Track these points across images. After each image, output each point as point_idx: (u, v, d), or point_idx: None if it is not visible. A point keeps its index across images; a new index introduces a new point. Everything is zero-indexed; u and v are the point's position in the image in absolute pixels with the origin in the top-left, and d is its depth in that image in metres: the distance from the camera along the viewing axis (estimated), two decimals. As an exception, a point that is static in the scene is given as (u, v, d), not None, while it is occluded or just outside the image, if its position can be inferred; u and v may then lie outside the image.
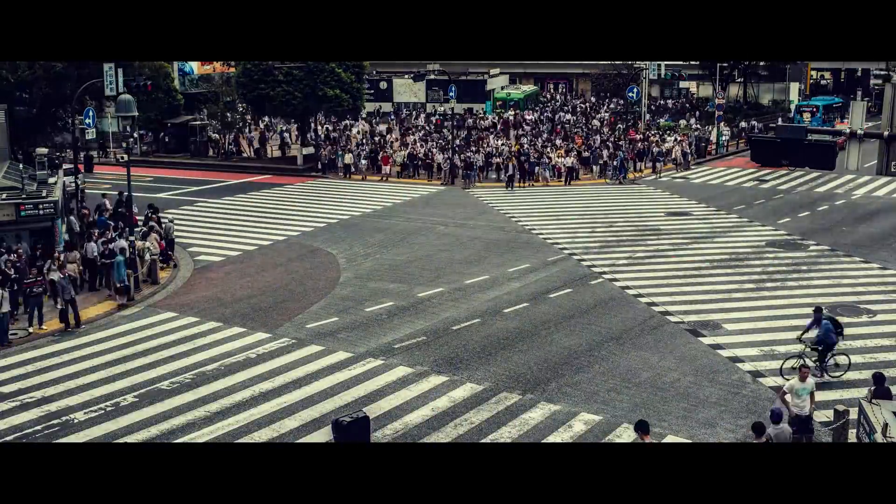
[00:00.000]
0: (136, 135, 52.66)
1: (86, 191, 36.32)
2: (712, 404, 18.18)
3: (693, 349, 21.38)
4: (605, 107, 71.91)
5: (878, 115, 23.60)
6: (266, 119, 62.90)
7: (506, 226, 35.38)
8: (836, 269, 28.44)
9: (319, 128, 57.39)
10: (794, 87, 69.47)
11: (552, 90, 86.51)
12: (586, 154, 49.14)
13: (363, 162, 48.82)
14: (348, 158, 48.35)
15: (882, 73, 68.41)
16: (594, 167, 47.86)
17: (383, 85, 67.26)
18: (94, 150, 51.24)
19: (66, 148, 42.13)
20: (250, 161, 53.62)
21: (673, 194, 42.21)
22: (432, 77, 65.84)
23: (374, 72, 68.40)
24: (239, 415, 17.92)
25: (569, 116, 68.26)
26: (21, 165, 33.46)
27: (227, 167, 51.75)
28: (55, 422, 17.64)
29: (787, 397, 15.67)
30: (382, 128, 60.97)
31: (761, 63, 64.19)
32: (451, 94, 51.56)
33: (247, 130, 59.46)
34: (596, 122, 63.56)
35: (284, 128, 60.30)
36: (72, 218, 31.05)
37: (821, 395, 18.37)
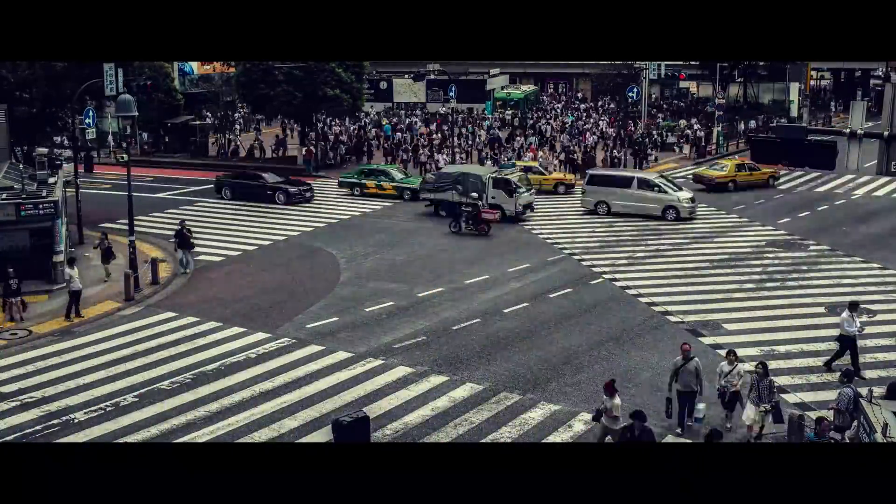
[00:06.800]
0: (137, 135, 52.78)
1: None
2: (712, 404, 18.16)
3: (693, 349, 21.33)
4: (606, 107, 71.93)
5: (878, 115, 23.58)
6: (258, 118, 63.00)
7: (506, 226, 35.36)
8: (836, 269, 28.45)
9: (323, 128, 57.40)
10: (794, 87, 69.43)
11: (552, 90, 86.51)
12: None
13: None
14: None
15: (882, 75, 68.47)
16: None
17: (383, 85, 67.13)
18: (94, 150, 51.35)
19: (67, 148, 42.18)
20: (250, 161, 53.60)
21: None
22: (432, 77, 65.75)
23: (374, 72, 68.27)
24: (239, 415, 17.92)
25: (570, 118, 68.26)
26: (21, 165, 33.45)
27: (228, 167, 51.69)
28: (55, 422, 17.65)
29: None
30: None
31: (761, 63, 64.11)
32: (451, 94, 51.49)
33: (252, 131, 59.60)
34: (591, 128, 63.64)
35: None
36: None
37: (821, 395, 18.42)
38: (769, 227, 34.50)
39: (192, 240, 29.07)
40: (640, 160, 49.49)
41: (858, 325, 20.05)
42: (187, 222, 30.20)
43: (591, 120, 64.48)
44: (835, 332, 22.39)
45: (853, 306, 20.25)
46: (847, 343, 19.83)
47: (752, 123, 59.75)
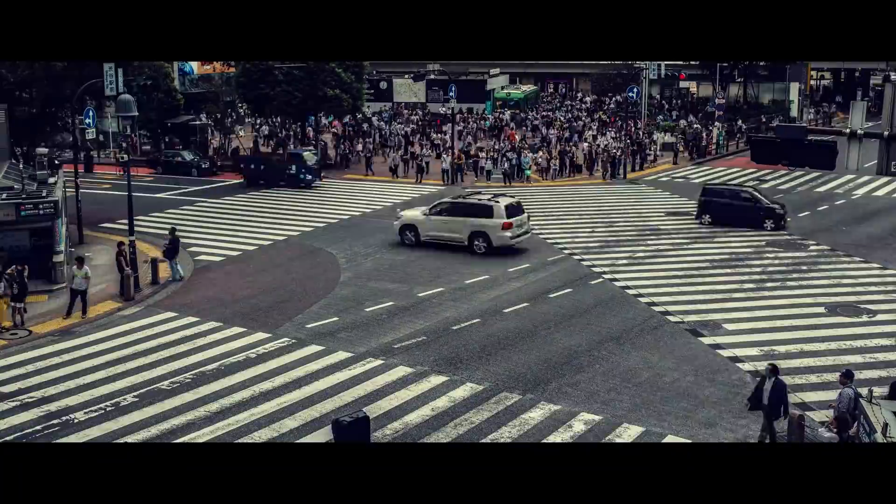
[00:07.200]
0: (135, 135, 52.74)
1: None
2: (712, 404, 18.18)
3: (693, 349, 21.38)
4: (606, 106, 71.96)
5: (878, 115, 23.58)
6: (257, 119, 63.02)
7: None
8: (836, 269, 28.45)
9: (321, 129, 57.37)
10: (794, 87, 69.47)
11: (552, 90, 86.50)
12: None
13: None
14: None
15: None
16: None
17: (383, 85, 67.19)
18: (93, 150, 51.32)
19: (67, 148, 42.12)
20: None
21: (673, 194, 42.23)
22: (432, 77, 65.79)
23: (374, 72, 68.29)
24: (239, 415, 17.92)
25: (568, 116, 68.31)
26: (21, 165, 33.44)
27: (227, 167, 51.64)
28: (55, 422, 17.64)
29: None
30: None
31: (761, 63, 64.11)
32: (451, 94, 51.53)
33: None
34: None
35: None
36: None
37: (822, 395, 18.41)
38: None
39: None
40: (639, 160, 49.55)
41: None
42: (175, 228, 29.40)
43: (586, 122, 64.53)
44: (834, 332, 22.45)
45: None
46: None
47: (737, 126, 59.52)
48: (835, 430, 15.67)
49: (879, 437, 13.27)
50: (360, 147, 53.51)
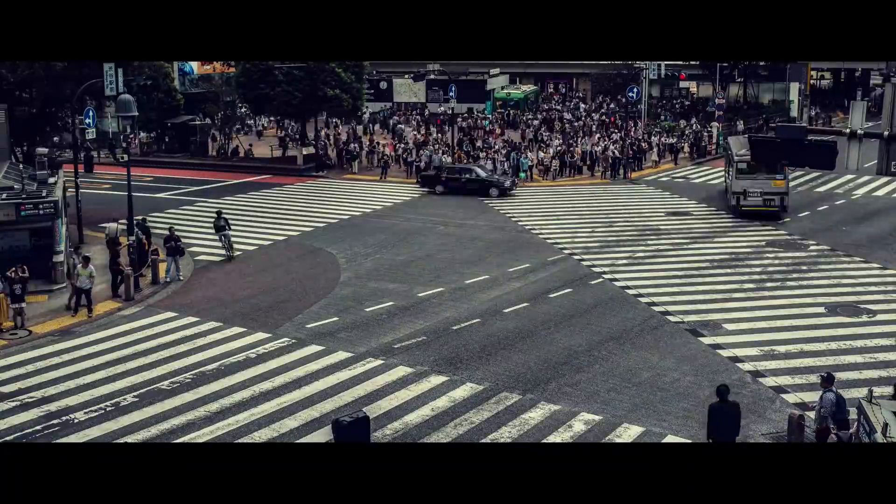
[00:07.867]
0: (135, 135, 52.72)
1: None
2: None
3: (693, 349, 21.38)
4: (606, 107, 71.94)
5: (878, 115, 23.59)
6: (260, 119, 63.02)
7: (506, 226, 35.39)
8: (836, 269, 28.44)
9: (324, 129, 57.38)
10: (794, 87, 69.47)
11: (552, 90, 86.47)
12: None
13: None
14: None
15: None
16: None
17: (383, 85, 67.21)
18: (94, 151, 51.28)
19: (67, 147, 42.13)
20: (250, 161, 53.63)
21: (673, 194, 42.22)
22: (432, 77, 65.81)
23: (374, 72, 68.31)
24: (239, 415, 17.93)
25: (568, 116, 68.31)
26: (21, 165, 33.43)
27: (227, 167, 51.73)
28: (55, 422, 17.65)
29: None
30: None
31: (761, 63, 64.11)
32: (451, 94, 51.53)
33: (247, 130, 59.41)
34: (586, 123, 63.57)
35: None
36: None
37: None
38: (769, 227, 34.50)
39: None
40: (638, 161, 49.44)
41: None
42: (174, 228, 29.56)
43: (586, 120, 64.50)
44: (834, 332, 22.45)
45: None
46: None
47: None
48: (835, 432, 15.66)
49: (879, 437, 13.26)
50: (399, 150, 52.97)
